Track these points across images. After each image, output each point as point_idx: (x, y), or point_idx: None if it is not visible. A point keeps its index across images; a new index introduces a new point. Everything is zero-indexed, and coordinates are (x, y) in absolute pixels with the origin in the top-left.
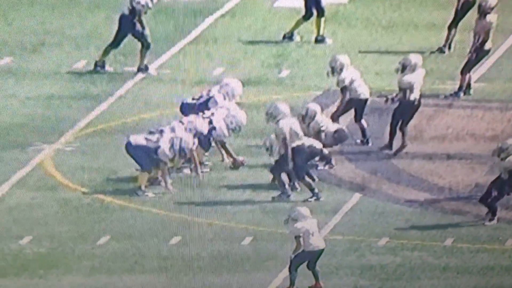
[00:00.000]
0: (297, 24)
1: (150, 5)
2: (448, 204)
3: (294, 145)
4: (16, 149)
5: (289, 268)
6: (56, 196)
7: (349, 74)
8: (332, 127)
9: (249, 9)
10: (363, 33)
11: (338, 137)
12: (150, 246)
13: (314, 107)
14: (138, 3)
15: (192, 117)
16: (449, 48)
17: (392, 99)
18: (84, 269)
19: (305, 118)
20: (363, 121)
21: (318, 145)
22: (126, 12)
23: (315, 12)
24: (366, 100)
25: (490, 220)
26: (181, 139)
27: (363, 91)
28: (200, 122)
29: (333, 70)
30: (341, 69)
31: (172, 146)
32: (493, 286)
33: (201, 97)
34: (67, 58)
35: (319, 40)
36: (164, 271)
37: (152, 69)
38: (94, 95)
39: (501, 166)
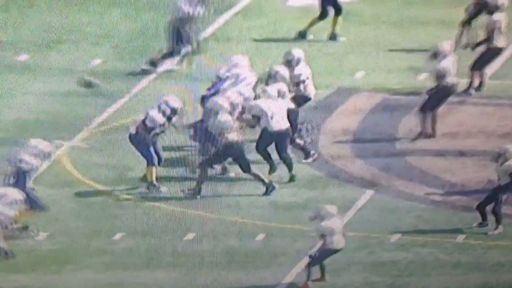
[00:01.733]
0: (312, 23)
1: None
2: (460, 200)
3: (225, 141)
4: None
5: (308, 264)
6: (71, 193)
7: (305, 69)
8: (289, 103)
9: (263, 8)
10: (375, 30)
11: (290, 116)
12: (164, 242)
13: (283, 71)
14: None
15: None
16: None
17: (431, 90)
18: (99, 265)
19: (269, 80)
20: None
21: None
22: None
23: (332, 11)
24: (310, 99)
25: (496, 228)
26: (166, 101)
27: (310, 90)
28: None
29: (289, 63)
30: (298, 63)
31: (159, 109)
32: (504, 282)
33: (215, 84)
34: (84, 56)
35: (332, 38)
36: (178, 266)
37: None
38: (110, 93)
39: (501, 171)
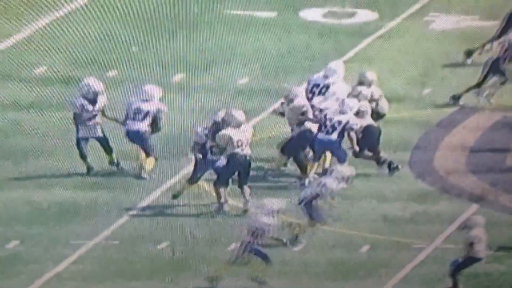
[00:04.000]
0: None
1: None
2: None
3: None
4: (171, 158)
5: (453, 272)
6: (198, 203)
7: (376, 90)
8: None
9: (405, 31)
10: None
11: (370, 133)
12: (273, 251)
13: (296, 90)
14: None
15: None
16: None
17: None
18: (211, 273)
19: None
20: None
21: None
22: None
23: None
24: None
25: None
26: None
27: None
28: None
29: (362, 83)
30: (370, 85)
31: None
32: None
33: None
34: (233, 75)
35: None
36: (283, 275)
37: None
38: (250, 109)
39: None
